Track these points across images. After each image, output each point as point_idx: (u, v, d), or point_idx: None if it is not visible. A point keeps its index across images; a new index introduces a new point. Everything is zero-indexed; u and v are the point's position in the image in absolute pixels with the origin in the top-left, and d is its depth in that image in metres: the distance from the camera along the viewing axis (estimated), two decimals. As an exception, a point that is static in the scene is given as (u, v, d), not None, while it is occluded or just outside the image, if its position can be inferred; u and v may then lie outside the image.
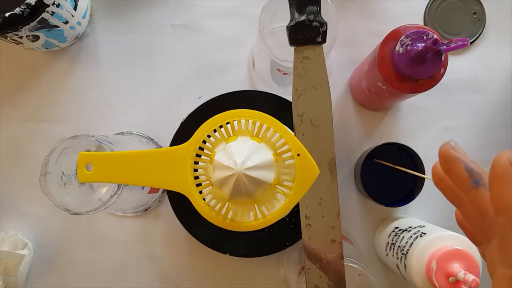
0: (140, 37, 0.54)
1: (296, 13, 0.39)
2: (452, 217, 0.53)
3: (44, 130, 0.53)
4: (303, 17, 0.39)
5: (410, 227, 0.47)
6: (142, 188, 0.47)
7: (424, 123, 0.54)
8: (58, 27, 0.48)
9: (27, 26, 0.44)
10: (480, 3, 0.54)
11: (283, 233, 0.46)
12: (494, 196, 0.24)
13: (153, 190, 0.50)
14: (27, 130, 0.53)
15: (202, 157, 0.40)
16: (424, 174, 0.48)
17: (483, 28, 0.54)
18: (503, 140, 0.54)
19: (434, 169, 0.29)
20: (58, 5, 0.45)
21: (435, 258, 0.41)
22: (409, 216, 0.53)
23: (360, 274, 0.42)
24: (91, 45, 0.54)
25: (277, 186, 0.37)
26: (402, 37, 0.40)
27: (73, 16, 0.49)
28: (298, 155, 0.36)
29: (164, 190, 0.52)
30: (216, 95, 0.48)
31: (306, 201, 0.39)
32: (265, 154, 0.37)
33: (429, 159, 0.50)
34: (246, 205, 0.38)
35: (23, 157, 0.53)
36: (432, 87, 0.41)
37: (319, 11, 0.39)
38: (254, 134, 0.38)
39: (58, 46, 0.51)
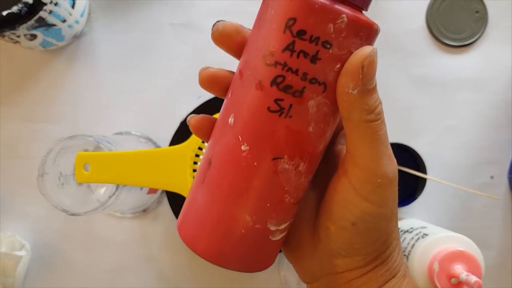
0: (139, 36, 0.54)
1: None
2: (455, 218, 0.53)
3: (42, 130, 0.53)
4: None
5: (412, 228, 0.47)
6: (141, 189, 0.47)
7: (425, 123, 0.53)
8: (56, 25, 0.47)
9: (25, 25, 0.44)
10: (482, 2, 0.53)
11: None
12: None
13: (152, 191, 0.50)
14: (25, 130, 0.53)
15: (201, 157, 0.39)
16: (426, 174, 0.48)
17: (485, 27, 0.53)
18: (505, 139, 0.53)
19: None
20: (56, 4, 0.45)
21: (437, 260, 0.40)
22: (411, 217, 0.52)
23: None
24: (89, 44, 0.54)
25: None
26: None
27: (71, 15, 0.48)
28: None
29: (163, 191, 0.51)
30: (216, 94, 0.47)
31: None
32: (265, 154, 0.36)
33: (431, 159, 0.49)
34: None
35: (20, 157, 0.53)
36: None
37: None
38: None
39: (55, 45, 0.51)
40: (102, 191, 0.46)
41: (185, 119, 0.47)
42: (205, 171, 0.24)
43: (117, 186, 0.41)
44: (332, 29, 0.21)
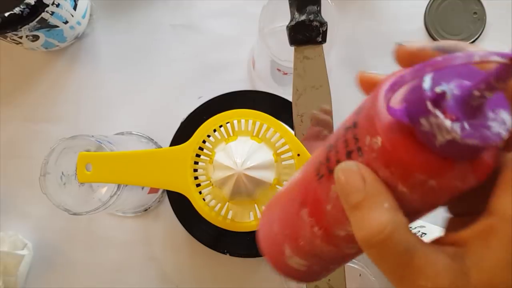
0: (140, 37, 0.54)
1: (296, 13, 0.39)
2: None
3: (44, 130, 0.53)
4: (303, 17, 0.39)
5: (410, 227, 0.47)
6: (142, 188, 0.47)
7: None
8: (58, 27, 0.48)
9: (27, 26, 0.44)
10: (481, 3, 0.54)
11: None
12: None
13: (153, 190, 0.50)
14: (27, 130, 0.53)
15: (202, 157, 0.40)
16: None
17: (483, 28, 0.54)
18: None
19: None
20: (57, 5, 0.45)
21: (435, 259, 0.41)
22: (410, 216, 0.53)
23: (360, 275, 0.42)
24: (91, 45, 0.54)
25: (277, 186, 0.37)
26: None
27: (72, 16, 0.48)
28: (298, 155, 0.36)
29: (164, 190, 0.52)
30: (216, 95, 0.48)
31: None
32: (265, 154, 0.37)
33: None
34: (246, 205, 0.38)
35: (23, 157, 0.53)
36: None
37: (319, 11, 0.39)
38: (254, 134, 0.38)
39: (57, 46, 0.51)
40: (104, 190, 0.47)
41: (186, 119, 0.47)
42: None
43: (119, 186, 0.41)
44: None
